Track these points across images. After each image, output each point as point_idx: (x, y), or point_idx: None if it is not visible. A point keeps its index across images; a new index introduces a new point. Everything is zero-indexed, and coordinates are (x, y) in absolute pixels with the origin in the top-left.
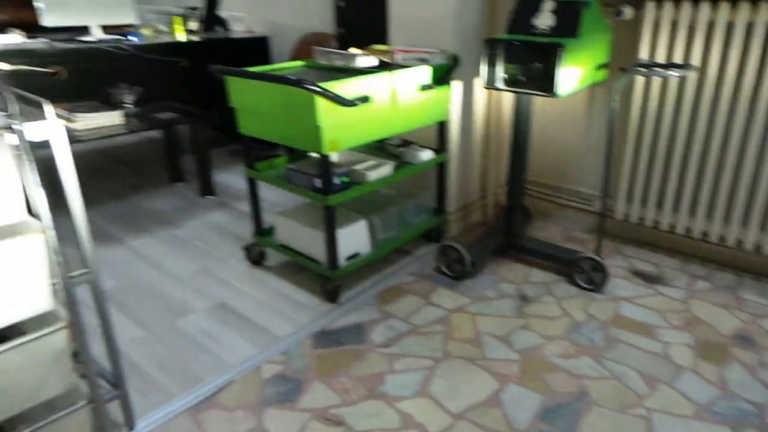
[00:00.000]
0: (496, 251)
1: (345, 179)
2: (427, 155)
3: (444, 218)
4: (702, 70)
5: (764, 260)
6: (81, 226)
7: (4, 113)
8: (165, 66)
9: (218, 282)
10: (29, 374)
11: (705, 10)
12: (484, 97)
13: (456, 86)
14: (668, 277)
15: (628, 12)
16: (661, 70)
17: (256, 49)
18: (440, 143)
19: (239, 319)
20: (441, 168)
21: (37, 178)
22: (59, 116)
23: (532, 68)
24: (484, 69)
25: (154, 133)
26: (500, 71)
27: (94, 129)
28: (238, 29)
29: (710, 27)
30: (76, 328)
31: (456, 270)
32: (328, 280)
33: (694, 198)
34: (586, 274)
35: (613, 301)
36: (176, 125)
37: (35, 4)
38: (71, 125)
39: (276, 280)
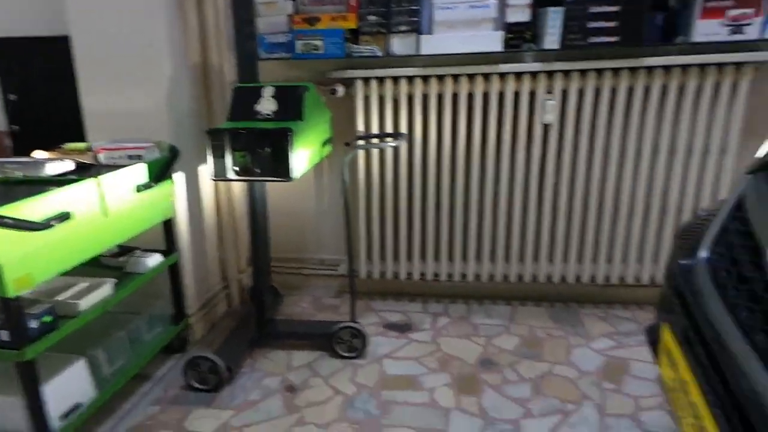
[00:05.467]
0: (252, 344)
1: (47, 318)
2: (155, 260)
3: (185, 323)
4: (409, 135)
5: (475, 286)
6: None
7: None
8: None
9: None
10: None
11: (404, 85)
12: (212, 185)
13: (179, 179)
14: (416, 322)
15: (340, 90)
16: (379, 141)
17: None
18: (169, 243)
19: None
20: (173, 269)
21: None
22: None
23: (263, 155)
24: (210, 160)
25: None
26: (229, 161)
27: None
28: None
29: (410, 99)
30: None
31: (211, 381)
32: None
33: (422, 246)
34: (347, 343)
35: (376, 363)
36: None
37: None
38: None
39: None
